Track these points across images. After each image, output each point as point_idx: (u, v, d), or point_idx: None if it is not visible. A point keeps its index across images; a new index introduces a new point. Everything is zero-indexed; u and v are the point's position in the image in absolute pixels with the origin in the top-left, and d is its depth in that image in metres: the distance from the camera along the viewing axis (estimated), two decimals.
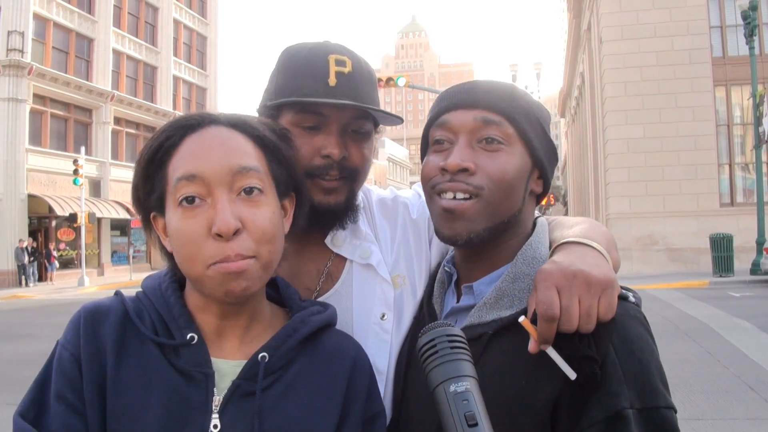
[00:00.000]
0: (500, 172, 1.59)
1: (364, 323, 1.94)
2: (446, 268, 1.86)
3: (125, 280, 37.22)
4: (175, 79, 49.61)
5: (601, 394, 1.37)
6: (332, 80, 1.87)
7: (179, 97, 50.22)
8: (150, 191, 1.48)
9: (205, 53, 54.14)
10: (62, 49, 39.15)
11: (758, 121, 24.92)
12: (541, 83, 39.00)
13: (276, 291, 1.70)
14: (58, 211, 35.55)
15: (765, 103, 24.48)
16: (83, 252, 35.75)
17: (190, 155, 1.42)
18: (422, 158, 1.79)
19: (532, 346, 1.40)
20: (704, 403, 8.27)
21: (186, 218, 1.39)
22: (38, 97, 36.54)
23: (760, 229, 23.97)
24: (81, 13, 40.35)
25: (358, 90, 1.91)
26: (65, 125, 39.44)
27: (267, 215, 1.44)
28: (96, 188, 40.58)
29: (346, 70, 1.90)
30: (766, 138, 24.43)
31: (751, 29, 24.04)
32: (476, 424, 1.20)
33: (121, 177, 41.49)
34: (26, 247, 34.33)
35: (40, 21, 37.25)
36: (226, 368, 1.47)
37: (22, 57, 34.82)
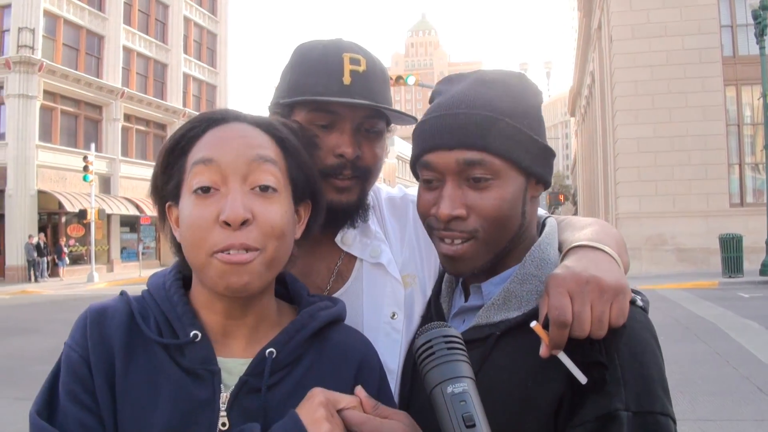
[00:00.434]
0: (493, 210, 1.55)
1: (374, 322, 1.93)
2: None
3: (134, 276, 37.28)
4: (186, 76, 49.69)
5: (598, 395, 1.37)
6: (347, 79, 1.87)
7: (189, 95, 50.34)
8: (168, 179, 1.49)
9: (215, 51, 54.22)
10: (73, 46, 39.29)
11: None
12: (551, 82, 38.91)
13: (285, 287, 1.70)
14: (68, 207, 35.68)
15: None
16: (93, 248, 35.87)
17: (210, 143, 1.44)
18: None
19: (543, 351, 1.38)
20: (712, 404, 8.25)
21: (198, 205, 1.39)
22: (48, 94, 36.67)
23: None
24: (91, 11, 40.47)
25: (372, 89, 1.90)
26: (75, 122, 39.59)
27: (279, 212, 1.43)
28: (106, 185, 40.69)
29: (361, 68, 1.90)
30: None
31: (761, 29, 23.89)
32: (474, 425, 1.20)
33: (131, 174, 41.63)
34: (36, 243, 34.46)
35: (51, 18, 37.38)
36: (234, 366, 1.46)
37: (32, 54, 34.97)
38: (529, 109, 1.64)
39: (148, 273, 35.94)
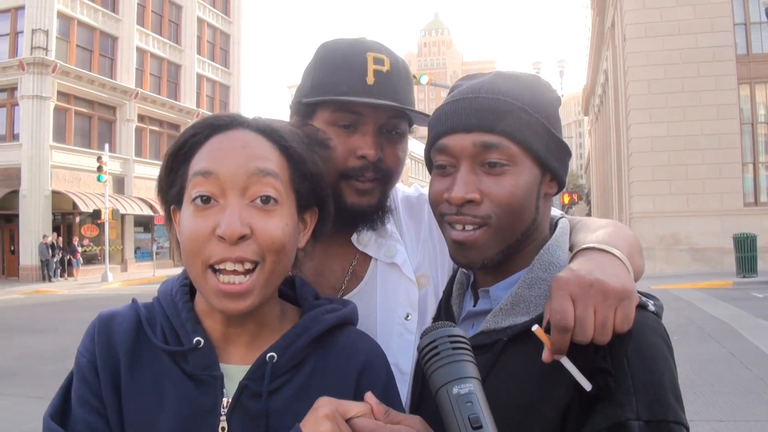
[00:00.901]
0: (508, 197, 1.53)
1: (388, 323, 1.93)
2: (464, 270, 1.83)
3: (148, 276, 37.43)
4: (199, 77, 49.75)
5: (607, 404, 1.33)
6: (370, 79, 1.85)
7: (203, 95, 50.39)
8: (171, 184, 1.48)
9: (228, 51, 54.27)
10: (86, 47, 39.42)
11: None
12: (565, 81, 38.62)
13: (293, 289, 1.68)
14: (82, 208, 35.79)
15: None
16: (107, 248, 35.99)
17: (211, 153, 1.41)
18: (430, 172, 1.74)
19: (545, 356, 1.36)
20: (726, 405, 8.21)
21: (196, 216, 1.38)
22: (62, 95, 36.82)
23: None
24: (105, 12, 40.60)
25: (396, 89, 1.89)
26: (89, 122, 39.72)
27: (279, 225, 1.41)
28: (120, 185, 40.81)
29: (385, 68, 1.88)
30: None
31: None
32: (480, 427, 1.19)
33: (145, 174, 41.74)
34: (50, 243, 34.61)
35: (65, 19, 37.54)
36: (235, 372, 1.47)
37: (46, 55, 35.10)
38: (547, 104, 1.63)
39: (161, 273, 36.29)
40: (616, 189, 40.73)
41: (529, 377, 1.47)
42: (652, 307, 1.48)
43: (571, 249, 1.66)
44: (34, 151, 34.74)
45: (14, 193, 35.37)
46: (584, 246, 1.55)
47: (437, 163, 1.63)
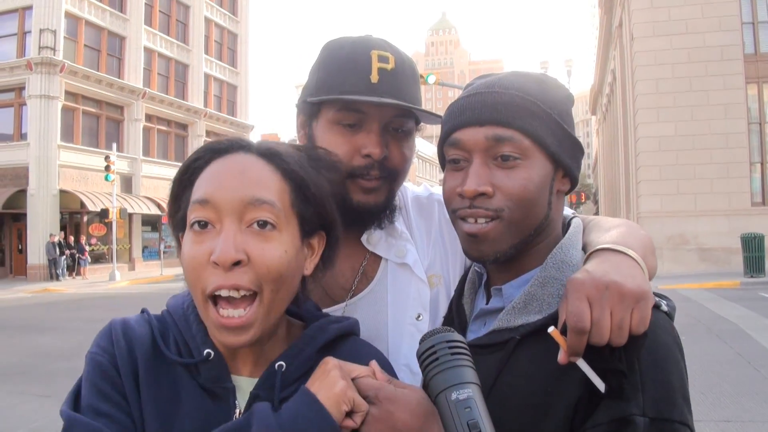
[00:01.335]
0: (520, 190, 1.54)
1: (399, 324, 1.91)
2: (476, 268, 1.82)
3: (156, 275, 37.53)
4: (207, 76, 49.81)
5: (613, 398, 1.34)
6: (374, 77, 1.84)
7: (210, 95, 50.44)
8: (177, 210, 1.49)
9: (236, 51, 54.33)
10: (94, 47, 39.51)
11: None
12: (572, 80, 38.64)
13: (296, 304, 1.66)
14: (90, 207, 35.90)
15: None
16: (114, 247, 36.11)
17: (209, 180, 1.41)
18: (442, 170, 1.75)
19: (561, 357, 1.35)
20: (734, 405, 8.19)
21: (194, 243, 1.37)
22: (70, 95, 36.94)
23: None
24: (113, 12, 40.68)
25: (401, 87, 1.87)
26: (97, 122, 39.83)
27: (277, 251, 1.38)
28: (127, 184, 40.88)
29: (389, 66, 1.87)
30: None
31: None
32: None
33: (153, 173, 41.84)
34: (57, 242, 34.72)
35: (72, 19, 37.63)
36: (244, 383, 1.47)
37: (54, 55, 35.20)
38: (560, 101, 1.64)
39: (169, 272, 36.38)
40: (623, 188, 40.63)
41: (541, 376, 1.46)
42: (665, 308, 1.48)
43: (584, 249, 1.66)
44: (42, 151, 34.82)
45: (22, 193, 35.44)
46: (599, 247, 1.55)
47: (450, 157, 1.64)
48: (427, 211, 2.14)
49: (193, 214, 1.38)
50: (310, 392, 1.32)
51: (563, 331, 1.35)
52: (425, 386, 1.33)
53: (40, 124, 34.90)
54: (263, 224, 1.37)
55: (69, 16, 37.20)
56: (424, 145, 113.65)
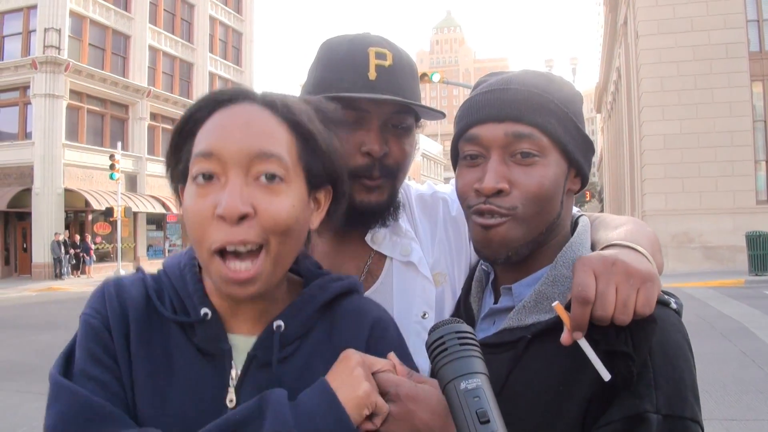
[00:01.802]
0: (537, 188, 1.54)
1: (404, 322, 1.88)
2: (484, 267, 1.82)
3: None
4: (211, 75, 49.74)
5: (626, 395, 1.33)
6: (372, 74, 1.83)
7: None
8: (177, 162, 1.45)
9: (240, 49, 54.27)
10: (99, 45, 39.50)
11: None
12: (577, 78, 38.49)
13: (295, 262, 1.62)
14: (95, 206, 35.93)
15: None
16: (119, 246, 36.15)
17: (212, 131, 1.36)
18: (453, 166, 1.74)
19: (564, 336, 1.36)
20: (738, 404, 8.19)
21: (197, 196, 1.33)
22: (75, 93, 36.95)
23: None
24: (117, 11, 40.66)
25: (400, 83, 1.87)
26: (102, 121, 39.84)
27: (285, 205, 1.34)
28: (132, 183, 40.91)
29: (387, 63, 1.86)
30: None
31: None
32: (488, 421, 1.18)
33: (158, 172, 41.76)
34: (62, 240, 34.78)
35: (77, 18, 37.63)
36: (243, 343, 1.44)
37: (59, 54, 35.22)
38: (572, 100, 1.65)
39: None
40: (628, 186, 40.60)
41: (552, 374, 1.47)
42: (673, 305, 1.49)
43: (592, 247, 1.66)
44: (47, 150, 34.85)
45: (27, 191, 35.45)
46: (608, 243, 1.56)
47: (466, 153, 1.63)
48: (431, 209, 2.14)
49: (197, 167, 1.34)
50: (330, 390, 1.30)
51: (568, 309, 1.36)
52: (434, 376, 1.33)
53: (45, 123, 34.90)
54: (271, 177, 1.34)
55: (73, 15, 37.21)
56: (430, 144, 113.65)
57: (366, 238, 2.01)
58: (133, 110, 41.61)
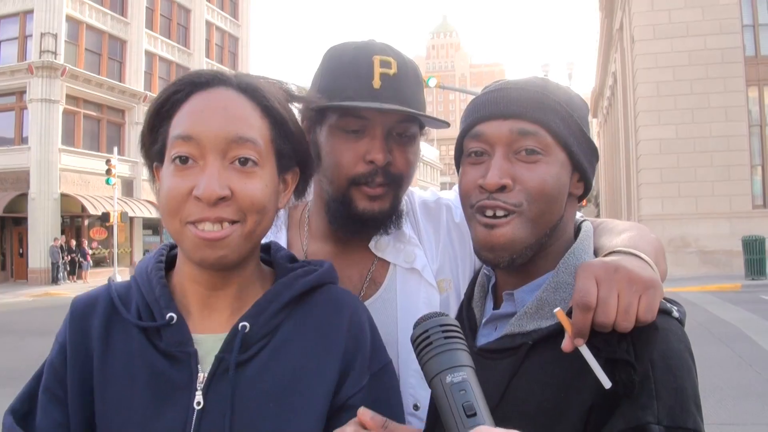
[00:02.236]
0: (540, 185, 1.54)
1: (409, 329, 1.87)
2: (485, 272, 1.82)
3: None
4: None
5: (628, 406, 1.32)
6: (376, 83, 1.82)
7: None
8: (153, 142, 1.48)
9: (237, 54, 54.23)
10: (95, 50, 39.54)
11: None
12: (573, 83, 38.52)
13: (269, 254, 1.68)
14: (91, 210, 35.92)
15: None
16: (116, 251, 36.01)
17: (191, 115, 1.40)
18: (457, 166, 1.75)
19: (566, 343, 1.35)
20: (736, 408, 8.20)
21: (175, 176, 1.38)
22: (71, 98, 36.95)
23: None
24: (114, 15, 40.68)
25: (404, 92, 1.86)
26: (98, 126, 39.84)
27: (259, 186, 1.41)
28: (128, 188, 40.87)
29: (391, 71, 1.85)
30: None
31: None
32: (474, 414, 1.17)
33: None
34: (61, 245, 34.71)
35: (73, 23, 37.64)
36: (211, 343, 1.45)
37: (55, 58, 35.22)
38: (580, 107, 1.66)
39: None
40: (624, 191, 40.60)
41: (554, 382, 1.46)
42: (676, 314, 1.48)
43: (595, 253, 1.66)
44: (43, 155, 34.82)
45: (23, 196, 35.43)
46: (611, 250, 1.56)
47: (470, 150, 1.64)
48: (435, 215, 2.13)
49: (175, 149, 1.39)
50: None
51: (570, 315, 1.36)
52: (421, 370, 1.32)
53: (41, 127, 34.90)
54: (245, 161, 1.40)
55: (70, 19, 37.21)
56: (426, 149, 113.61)
57: (369, 244, 2.00)
58: (129, 115, 41.58)
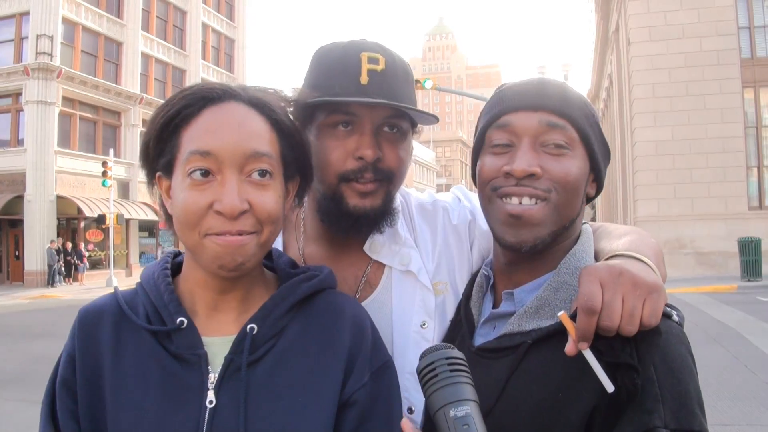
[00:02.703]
0: (566, 175, 1.56)
1: (404, 331, 1.90)
2: (485, 272, 1.82)
3: None
4: (203, 81, 49.59)
5: (635, 411, 1.33)
6: (364, 78, 1.82)
7: None
8: (160, 154, 1.49)
9: (233, 56, 54.20)
10: (91, 52, 39.46)
11: None
12: (569, 85, 38.50)
13: (269, 259, 1.71)
14: (87, 213, 35.84)
15: None
16: (111, 253, 35.96)
17: (206, 130, 1.42)
18: (474, 158, 1.75)
19: (569, 347, 1.36)
20: (731, 409, 8.19)
21: (193, 190, 1.41)
22: (67, 100, 36.88)
23: None
24: (110, 17, 40.62)
25: (392, 88, 1.85)
26: (94, 128, 39.75)
27: (273, 199, 1.46)
28: (124, 190, 40.81)
29: (379, 67, 1.84)
30: None
31: None
32: None
33: None
34: (57, 248, 34.67)
35: (69, 25, 37.58)
36: (220, 345, 1.50)
37: (51, 60, 35.17)
38: (595, 111, 1.68)
39: None
40: (620, 193, 40.65)
41: (553, 382, 1.46)
42: (676, 317, 1.49)
43: (595, 256, 1.67)
44: (39, 157, 34.76)
45: (19, 199, 35.35)
46: (613, 253, 1.57)
47: (495, 141, 1.64)
48: (431, 217, 2.12)
49: (193, 164, 1.41)
50: None
51: (574, 319, 1.36)
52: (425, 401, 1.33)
53: (37, 129, 34.84)
54: (263, 173, 1.45)
55: (66, 21, 37.16)
56: (422, 151, 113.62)
57: (364, 246, 1.99)
58: (125, 117, 41.52)
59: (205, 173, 1.40)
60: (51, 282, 34.80)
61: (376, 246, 1.99)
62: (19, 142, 35.99)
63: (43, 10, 35.74)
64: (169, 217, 1.54)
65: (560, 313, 1.38)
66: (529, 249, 1.59)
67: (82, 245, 37.71)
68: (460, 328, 1.83)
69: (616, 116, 42.13)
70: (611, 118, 46.56)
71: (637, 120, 30.19)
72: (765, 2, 25.47)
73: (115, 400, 1.43)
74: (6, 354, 14.37)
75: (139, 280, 1.64)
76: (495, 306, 1.74)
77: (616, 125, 42.33)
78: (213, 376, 1.44)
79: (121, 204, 38.35)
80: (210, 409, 1.41)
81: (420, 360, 1.36)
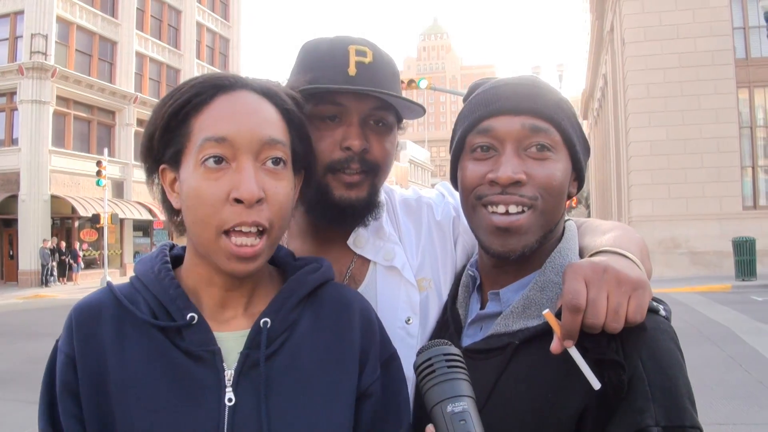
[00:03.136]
0: (551, 180, 1.54)
1: (388, 327, 1.84)
2: (470, 272, 1.82)
3: None
4: None
5: (626, 410, 1.32)
6: (352, 70, 1.83)
7: None
8: (167, 144, 1.46)
9: (227, 55, 54.15)
10: (85, 51, 39.44)
11: None
12: (564, 85, 38.57)
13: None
14: (81, 212, 35.82)
15: None
16: (106, 252, 35.94)
17: (221, 117, 1.40)
18: (453, 162, 1.74)
19: (555, 345, 1.35)
20: (726, 409, 8.21)
21: (207, 179, 1.38)
22: (62, 99, 36.86)
23: None
24: (104, 17, 40.59)
25: (380, 80, 1.86)
26: (88, 127, 39.73)
27: (286, 189, 1.45)
28: (119, 189, 40.76)
29: (367, 60, 1.86)
30: None
31: None
32: None
33: (144, 178, 41.62)
34: (51, 247, 34.61)
35: (64, 24, 37.54)
36: (232, 340, 1.47)
37: (45, 59, 35.12)
38: (571, 105, 1.66)
39: None
40: (615, 193, 40.69)
41: (541, 382, 1.46)
42: (663, 312, 1.48)
43: (580, 253, 1.66)
44: (33, 156, 34.72)
45: (13, 198, 35.33)
46: (597, 250, 1.56)
47: (477, 144, 1.62)
48: (415, 213, 2.13)
49: (207, 151, 1.38)
50: None
51: (559, 316, 1.35)
52: (422, 398, 1.33)
53: (32, 129, 34.81)
54: (277, 161, 1.43)
55: (60, 20, 37.13)
56: (417, 150, 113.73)
57: (348, 241, 1.99)
58: (119, 116, 41.48)
59: (219, 160, 1.37)
60: (45, 282, 34.72)
61: (360, 241, 1.99)
62: (14, 142, 35.98)
63: (37, 9, 35.70)
64: (171, 213, 1.52)
65: (545, 311, 1.37)
66: (517, 257, 1.58)
67: (76, 245, 37.69)
68: (447, 329, 1.82)
69: (610, 116, 42.17)
70: (606, 119, 46.62)
71: (632, 120, 30.23)
72: (760, 3, 25.46)
73: (124, 400, 1.38)
74: (1, 354, 14.34)
75: (133, 274, 1.59)
76: (482, 306, 1.73)
77: (610, 125, 42.38)
78: (229, 373, 1.41)
79: (115, 203, 38.31)
80: (230, 407, 1.38)
81: (417, 356, 1.36)
